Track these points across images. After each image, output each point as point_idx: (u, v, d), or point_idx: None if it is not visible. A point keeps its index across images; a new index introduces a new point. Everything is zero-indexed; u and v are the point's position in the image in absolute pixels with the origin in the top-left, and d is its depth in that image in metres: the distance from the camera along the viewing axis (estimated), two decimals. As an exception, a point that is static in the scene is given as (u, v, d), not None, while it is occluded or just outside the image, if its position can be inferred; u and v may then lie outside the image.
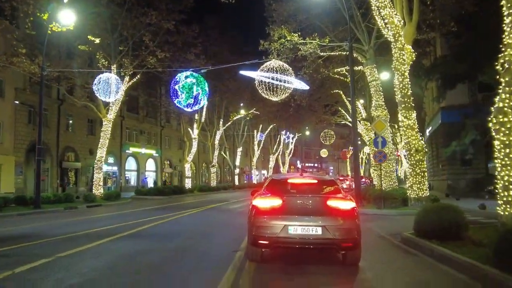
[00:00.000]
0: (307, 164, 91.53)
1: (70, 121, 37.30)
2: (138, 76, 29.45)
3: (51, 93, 33.85)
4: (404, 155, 62.18)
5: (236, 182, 55.28)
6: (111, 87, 22.51)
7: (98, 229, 11.86)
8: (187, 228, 12.74)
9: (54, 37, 22.97)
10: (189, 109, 22.16)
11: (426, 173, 16.72)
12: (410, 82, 16.93)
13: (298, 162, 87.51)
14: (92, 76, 24.10)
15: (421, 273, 6.62)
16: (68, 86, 29.79)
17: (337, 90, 34.27)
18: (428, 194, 16.57)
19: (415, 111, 17.07)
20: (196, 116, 41.48)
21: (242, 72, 27.09)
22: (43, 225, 13.75)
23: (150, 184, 48.35)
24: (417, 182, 16.39)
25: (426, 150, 17.76)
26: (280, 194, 6.66)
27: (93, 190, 28.04)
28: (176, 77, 21.31)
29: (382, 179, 20.06)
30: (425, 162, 16.82)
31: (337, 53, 24.57)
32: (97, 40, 24.77)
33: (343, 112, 39.58)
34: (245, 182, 65.43)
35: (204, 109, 41.33)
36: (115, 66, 27.28)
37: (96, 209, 21.68)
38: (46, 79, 23.99)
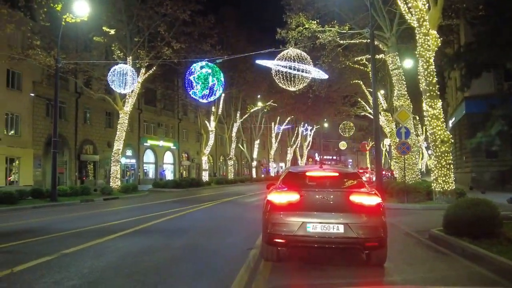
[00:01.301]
0: (325, 157, 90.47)
1: (88, 114, 37.44)
2: (154, 68, 29.18)
3: (68, 86, 33.96)
4: (426, 147, 61.38)
5: (254, 175, 54.84)
6: (126, 78, 22.25)
7: (110, 223, 11.56)
8: (200, 223, 12.33)
9: (70, 28, 22.82)
10: (204, 100, 21.78)
11: (452, 165, 15.89)
12: (435, 70, 16.09)
13: (317, 154, 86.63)
14: (109, 68, 23.91)
15: (457, 277, 5.98)
16: (85, 79, 29.78)
17: (356, 81, 33.37)
18: (454, 187, 15.75)
19: (440, 100, 16.21)
20: (213, 108, 41.08)
21: (259, 62, 26.49)
22: (56, 218, 13.55)
23: (168, 176, 48.38)
24: (443, 175, 15.54)
25: (452, 141, 16.86)
26: (298, 188, 6.11)
27: (110, 183, 27.99)
28: (191, 67, 20.89)
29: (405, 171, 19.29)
30: (450, 154, 16.00)
31: (357, 41, 23.73)
32: (112, 32, 24.53)
33: (363, 103, 38.62)
34: (263, 175, 64.98)
35: (221, 101, 40.92)
36: (131, 57, 27.03)
37: (113, 202, 21.54)
38: (62, 72, 23.90)
